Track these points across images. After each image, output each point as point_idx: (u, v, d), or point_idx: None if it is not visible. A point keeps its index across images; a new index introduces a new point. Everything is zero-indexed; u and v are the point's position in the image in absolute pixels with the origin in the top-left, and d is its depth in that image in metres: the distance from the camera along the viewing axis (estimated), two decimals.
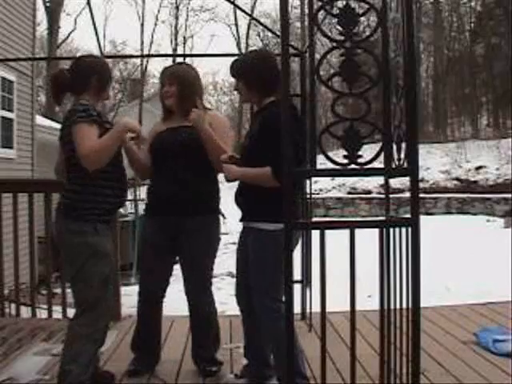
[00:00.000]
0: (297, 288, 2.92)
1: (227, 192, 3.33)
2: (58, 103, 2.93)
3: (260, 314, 2.76)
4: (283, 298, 2.70)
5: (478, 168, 19.64)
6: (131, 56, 34.17)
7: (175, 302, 3.31)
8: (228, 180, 2.82)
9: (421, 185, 14.27)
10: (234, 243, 5.65)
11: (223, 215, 3.17)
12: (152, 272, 3.14)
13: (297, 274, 3.43)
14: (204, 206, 3.09)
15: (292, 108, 2.74)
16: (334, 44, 2.23)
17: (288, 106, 2.62)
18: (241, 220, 2.87)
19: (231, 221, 3.48)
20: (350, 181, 20.06)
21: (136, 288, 3.27)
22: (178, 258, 3.19)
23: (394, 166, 2.31)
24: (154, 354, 3.27)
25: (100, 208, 2.76)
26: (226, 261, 7.88)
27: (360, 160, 2.19)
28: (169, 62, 32.28)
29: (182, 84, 3.10)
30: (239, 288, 2.96)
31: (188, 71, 3.19)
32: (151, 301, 3.20)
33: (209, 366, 3.18)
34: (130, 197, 14.34)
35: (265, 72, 2.80)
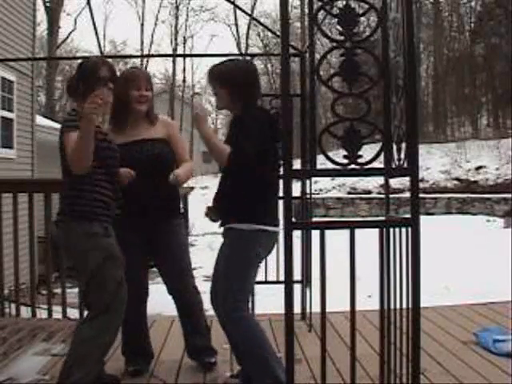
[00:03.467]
0: (297, 288, 2.92)
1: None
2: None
3: (221, 314, 2.73)
4: (246, 300, 2.70)
5: (478, 168, 19.65)
6: (131, 56, 34.17)
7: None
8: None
9: (421, 185, 14.28)
10: None
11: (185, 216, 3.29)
12: (131, 273, 3.07)
13: (297, 274, 3.43)
14: (176, 210, 3.25)
15: (264, 112, 2.80)
16: (334, 44, 2.23)
17: (262, 110, 2.66)
18: (220, 225, 2.85)
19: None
20: (350, 181, 20.07)
21: None
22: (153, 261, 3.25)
23: (394, 166, 2.31)
24: (147, 354, 3.27)
25: (106, 209, 2.76)
26: None
27: (360, 160, 2.19)
28: (169, 61, 32.37)
29: (152, 89, 3.18)
30: (214, 295, 2.89)
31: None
32: (133, 301, 3.17)
33: (208, 358, 3.21)
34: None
35: (251, 82, 2.80)
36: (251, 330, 2.66)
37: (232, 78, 2.76)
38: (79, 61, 2.95)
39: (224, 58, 2.96)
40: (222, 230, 2.86)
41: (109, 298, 2.68)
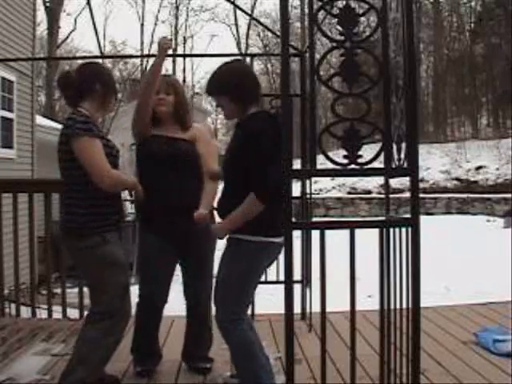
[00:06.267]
0: (297, 288, 2.92)
1: None
2: (73, 105, 2.81)
3: (217, 322, 2.70)
4: (243, 311, 2.67)
5: (478, 168, 19.66)
6: (131, 56, 34.12)
7: (175, 302, 3.31)
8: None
9: (421, 185, 14.30)
10: None
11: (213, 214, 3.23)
12: (156, 282, 3.15)
13: (297, 274, 3.44)
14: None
15: (272, 118, 2.72)
16: (334, 44, 2.23)
17: (269, 116, 2.62)
18: None
19: None
20: (350, 181, 20.08)
21: (136, 288, 3.27)
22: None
23: (394, 165, 2.31)
24: (156, 355, 3.28)
25: (104, 220, 2.74)
26: None
27: (360, 160, 2.19)
28: (169, 61, 32.33)
29: (177, 93, 3.20)
30: (214, 301, 2.87)
31: (178, 81, 3.39)
32: (154, 309, 3.21)
33: (203, 364, 3.23)
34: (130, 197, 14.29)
35: (248, 84, 2.71)
36: (245, 344, 2.63)
37: (228, 82, 2.67)
38: (79, 61, 2.95)
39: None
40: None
41: (112, 303, 2.69)
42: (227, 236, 2.73)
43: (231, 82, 2.67)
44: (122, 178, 2.83)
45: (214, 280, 3.21)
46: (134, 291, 3.25)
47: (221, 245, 2.89)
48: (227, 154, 2.77)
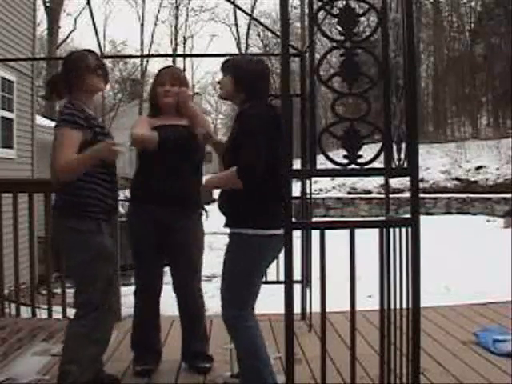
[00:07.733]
0: (297, 288, 2.92)
1: None
2: (51, 100, 2.97)
3: (224, 319, 2.70)
4: (250, 307, 2.69)
5: (478, 168, 19.66)
6: (131, 56, 34.12)
7: (176, 302, 3.30)
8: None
9: (421, 185, 14.28)
10: None
11: (206, 212, 3.27)
12: (148, 265, 3.17)
13: (297, 274, 3.44)
14: (195, 202, 3.21)
15: (271, 109, 2.72)
16: (334, 44, 2.23)
17: (270, 107, 2.63)
18: (224, 226, 2.81)
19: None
20: (350, 181, 20.07)
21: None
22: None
23: (393, 166, 2.31)
24: (156, 351, 3.28)
25: (100, 205, 2.73)
26: None
27: (360, 160, 2.19)
28: (169, 61, 32.38)
29: (182, 85, 3.25)
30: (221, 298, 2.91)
31: (182, 72, 3.42)
32: (150, 295, 3.22)
33: (203, 363, 3.22)
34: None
35: (257, 76, 2.75)
36: (250, 340, 2.64)
37: (237, 67, 2.76)
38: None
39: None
40: (221, 229, 2.85)
41: (97, 295, 2.68)
42: (229, 231, 2.74)
43: (242, 66, 2.76)
44: (82, 157, 2.64)
45: (200, 274, 3.26)
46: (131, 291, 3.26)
47: (222, 242, 2.89)
48: (227, 144, 2.78)
